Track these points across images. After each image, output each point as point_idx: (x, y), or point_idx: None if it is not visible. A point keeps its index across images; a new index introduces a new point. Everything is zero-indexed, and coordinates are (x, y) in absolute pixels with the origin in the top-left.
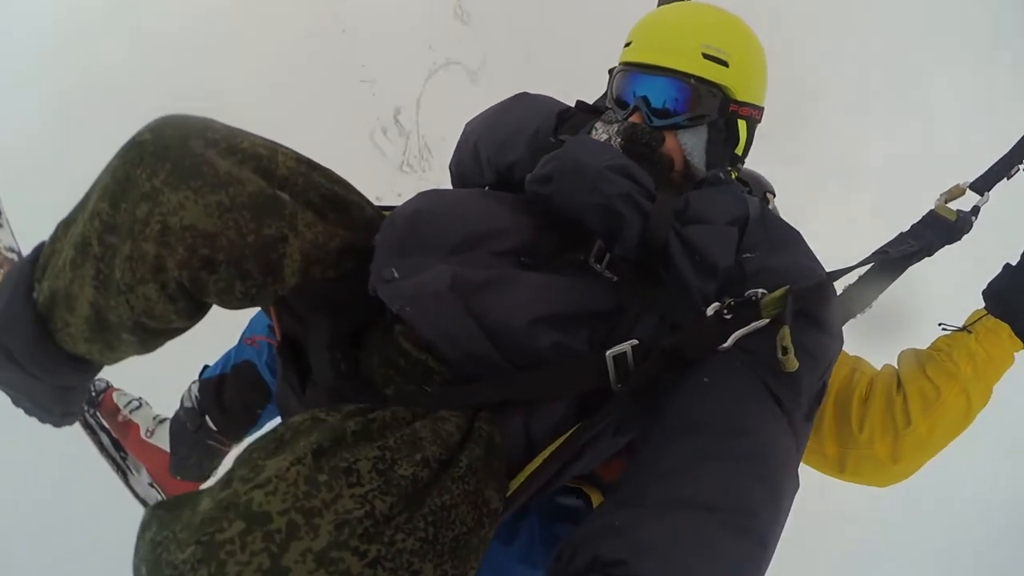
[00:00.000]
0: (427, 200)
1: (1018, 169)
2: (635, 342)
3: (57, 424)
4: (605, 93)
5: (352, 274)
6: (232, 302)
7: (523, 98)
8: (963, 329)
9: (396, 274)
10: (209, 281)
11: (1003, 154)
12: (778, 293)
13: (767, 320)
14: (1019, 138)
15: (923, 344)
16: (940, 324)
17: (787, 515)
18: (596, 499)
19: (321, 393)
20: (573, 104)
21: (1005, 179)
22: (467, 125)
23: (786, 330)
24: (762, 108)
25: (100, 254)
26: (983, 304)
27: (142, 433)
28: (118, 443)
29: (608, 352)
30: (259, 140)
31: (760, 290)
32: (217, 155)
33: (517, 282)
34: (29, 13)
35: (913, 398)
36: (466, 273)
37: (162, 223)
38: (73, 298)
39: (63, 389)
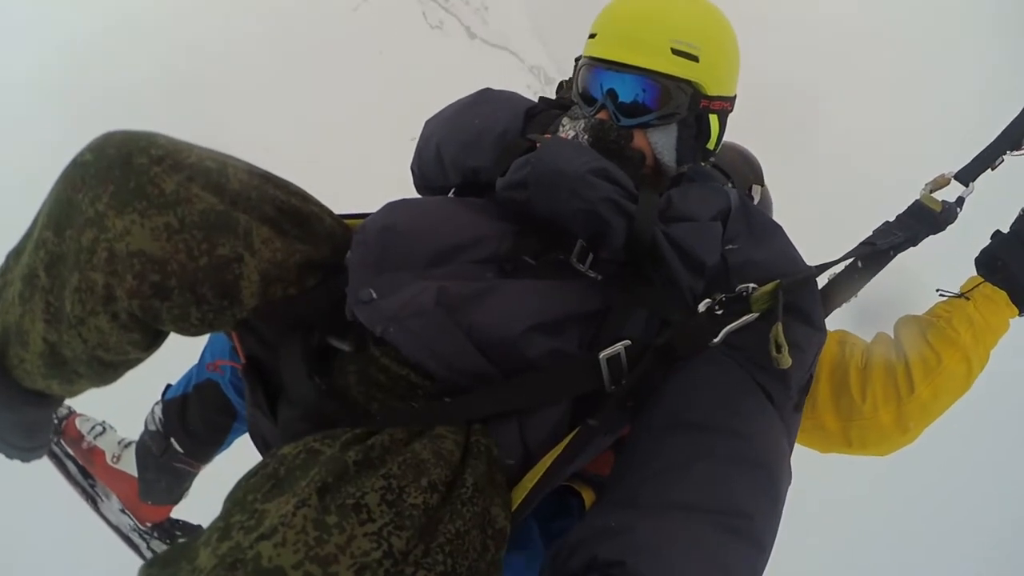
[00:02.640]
0: (397, 213)
1: (1002, 160)
2: (628, 342)
3: (25, 459)
4: (570, 84)
5: (316, 290)
6: (189, 329)
7: (486, 95)
8: (961, 296)
9: (374, 294)
10: (162, 309)
11: (987, 144)
12: (768, 288)
13: (757, 314)
14: (1003, 128)
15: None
16: (938, 290)
17: (783, 509)
18: (586, 494)
19: (296, 415)
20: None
21: (990, 169)
22: (427, 124)
23: (779, 327)
24: (734, 97)
25: (48, 286)
26: (975, 272)
27: (108, 459)
28: (85, 470)
29: (602, 354)
30: (207, 153)
31: (751, 285)
32: (163, 172)
33: (504, 291)
34: (46, 33)
35: (915, 364)
36: (451, 287)
37: (109, 250)
38: (25, 333)
39: (26, 424)
